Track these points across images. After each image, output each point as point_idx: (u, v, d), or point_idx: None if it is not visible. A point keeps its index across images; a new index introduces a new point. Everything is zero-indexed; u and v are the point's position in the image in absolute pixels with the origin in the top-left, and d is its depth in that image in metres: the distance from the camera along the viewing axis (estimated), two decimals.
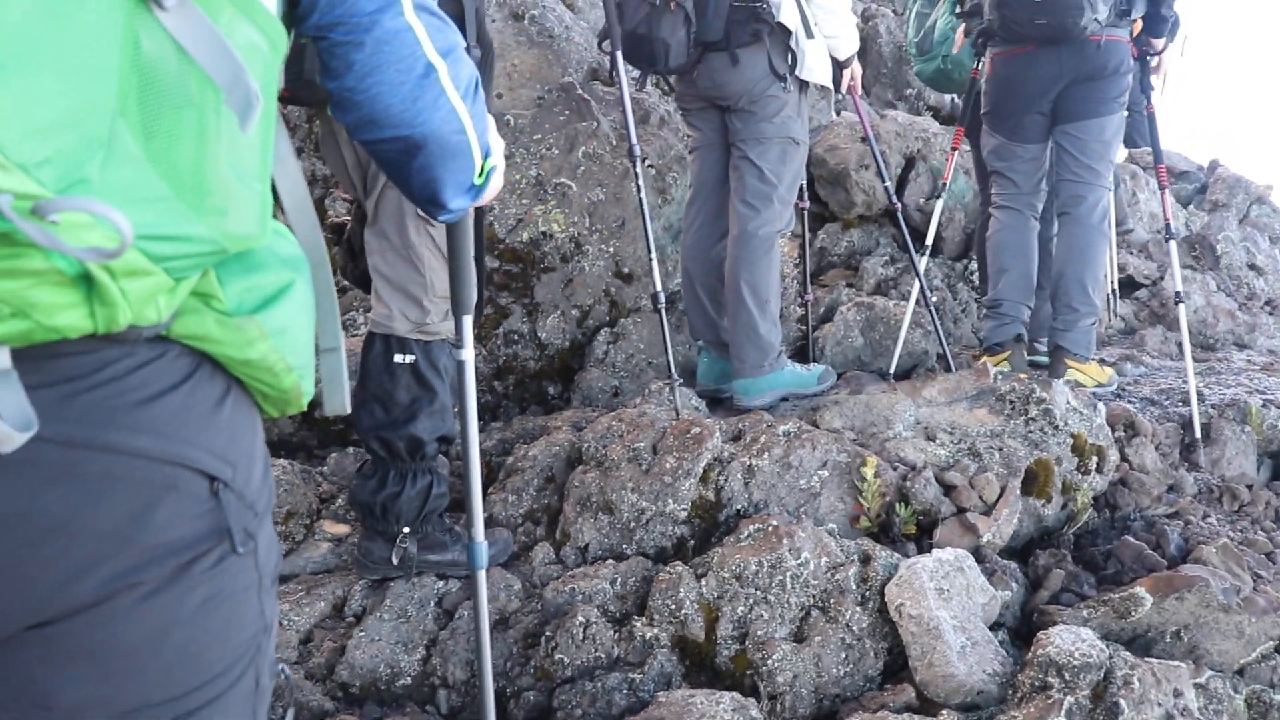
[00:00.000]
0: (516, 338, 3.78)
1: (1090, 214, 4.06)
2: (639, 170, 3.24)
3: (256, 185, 0.92)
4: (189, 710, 0.95)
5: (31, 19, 0.73)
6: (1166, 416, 3.99)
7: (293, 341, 1.01)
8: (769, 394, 3.53)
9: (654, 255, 3.26)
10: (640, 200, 3.23)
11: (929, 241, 4.40)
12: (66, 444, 0.83)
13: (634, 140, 3.27)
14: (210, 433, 0.94)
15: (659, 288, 3.24)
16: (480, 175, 1.29)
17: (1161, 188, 4.20)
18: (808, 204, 4.22)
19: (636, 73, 3.63)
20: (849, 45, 3.58)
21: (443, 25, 1.15)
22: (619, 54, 3.37)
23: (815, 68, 3.45)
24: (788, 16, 3.37)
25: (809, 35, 3.40)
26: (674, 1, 3.31)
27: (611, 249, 3.92)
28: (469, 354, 2.09)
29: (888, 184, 4.29)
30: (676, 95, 3.76)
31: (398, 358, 2.62)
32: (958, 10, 4.52)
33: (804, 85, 3.50)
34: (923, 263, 4.25)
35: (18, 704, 0.90)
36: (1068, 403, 3.42)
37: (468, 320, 2.10)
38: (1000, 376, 3.50)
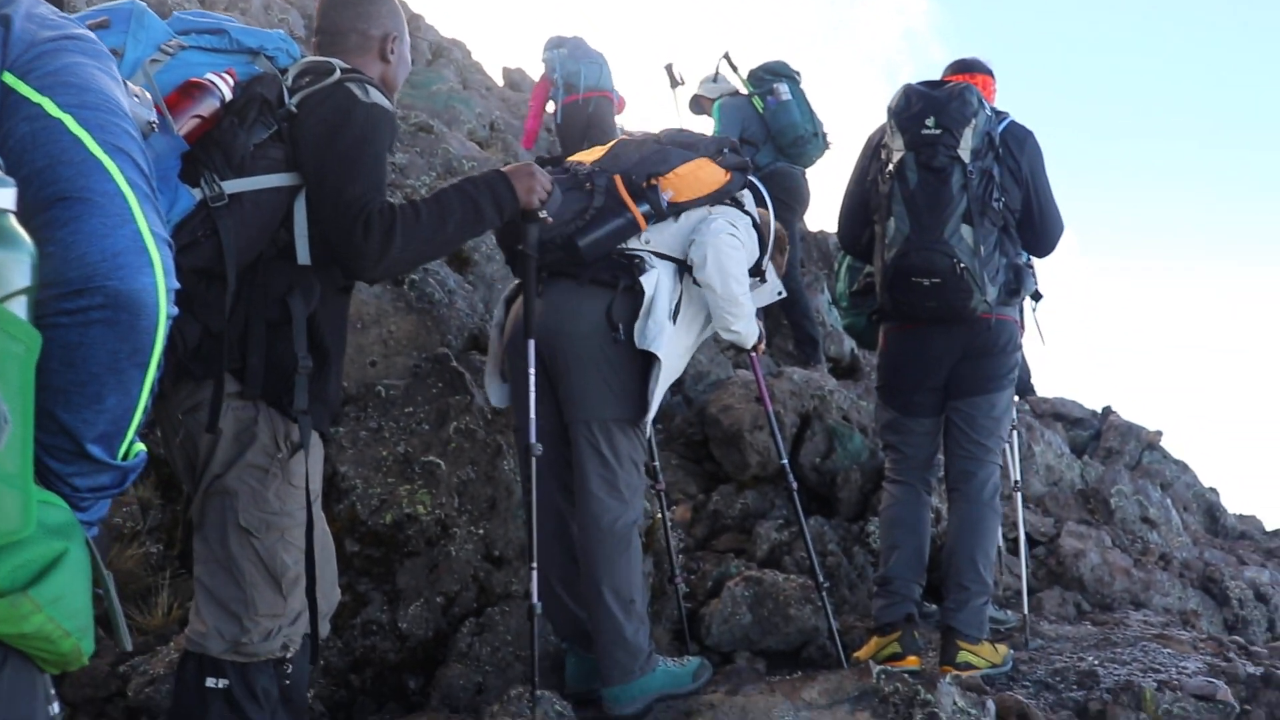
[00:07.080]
0: (375, 628, 3.51)
1: (981, 490, 4.02)
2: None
3: (17, 485, 0.99)
4: None
5: None
6: (1060, 703, 3.82)
7: (68, 607, 1.06)
8: (641, 700, 3.27)
9: (535, 564, 3.13)
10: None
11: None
12: None
13: None
14: None
15: (535, 598, 3.11)
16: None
17: None
18: (663, 485, 4.11)
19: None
20: (751, 337, 3.56)
21: None
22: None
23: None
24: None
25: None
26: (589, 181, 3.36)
27: (482, 531, 3.73)
28: None
29: (781, 447, 4.11)
30: None
31: (209, 681, 2.39)
32: (853, 288, 4.59)
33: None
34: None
35: None
36: (955, 703, 3.24)
37: None
38: (883, 676, 3.32)
